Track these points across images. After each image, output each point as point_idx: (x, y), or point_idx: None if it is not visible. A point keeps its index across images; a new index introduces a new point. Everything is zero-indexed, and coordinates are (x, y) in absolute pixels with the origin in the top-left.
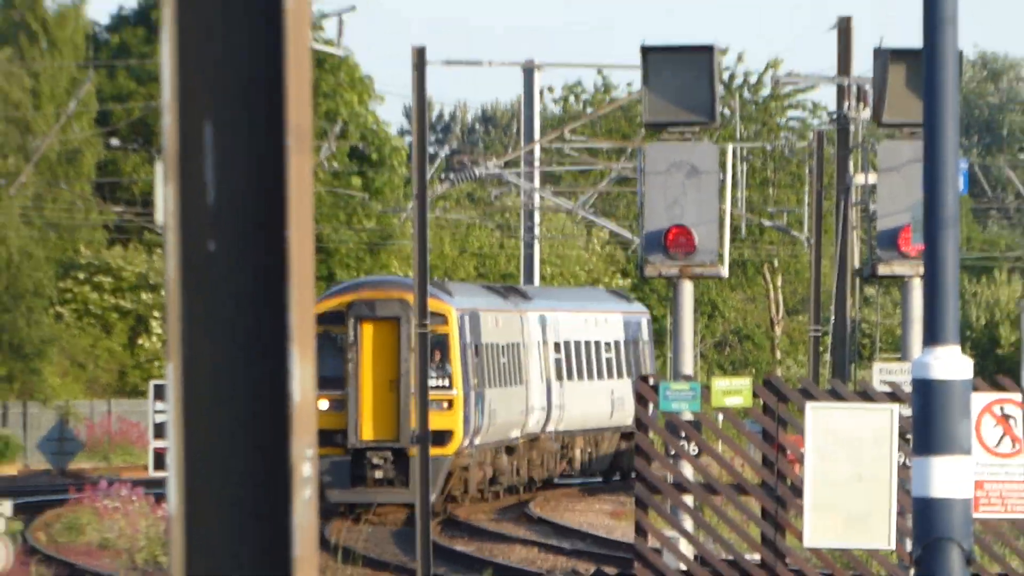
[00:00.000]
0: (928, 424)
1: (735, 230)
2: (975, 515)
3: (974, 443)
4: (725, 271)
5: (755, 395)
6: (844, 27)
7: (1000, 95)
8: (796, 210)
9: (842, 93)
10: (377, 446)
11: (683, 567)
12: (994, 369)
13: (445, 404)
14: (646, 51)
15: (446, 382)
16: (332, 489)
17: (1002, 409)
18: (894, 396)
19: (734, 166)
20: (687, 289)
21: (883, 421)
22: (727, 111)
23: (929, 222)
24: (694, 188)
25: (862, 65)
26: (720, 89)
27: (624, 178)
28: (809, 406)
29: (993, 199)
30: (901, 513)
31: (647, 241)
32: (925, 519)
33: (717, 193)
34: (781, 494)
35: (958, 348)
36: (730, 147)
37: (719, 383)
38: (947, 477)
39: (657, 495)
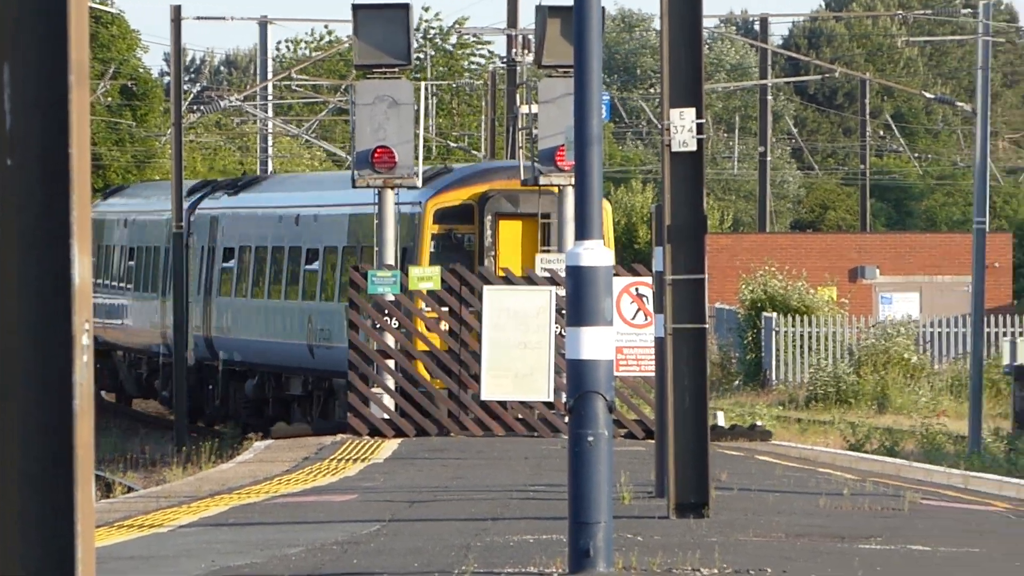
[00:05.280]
0: (579, 302)
1: (428, 150)
2: (616, 373)
3: (615, 316)
4: (419, 183)
5: (443, 281)
6: None
7: (635, 43)
8: (475, 134)
9: (511, 42)
10: None
11: (386, 416)
12: (632, 259)
13: None
14: (356, 8)
15: None
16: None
17: (637, 290)
18: (552, 280)
19: (426, 99)
20: (389, 197)
21: (543, 300)
22: (421, 56)
23: (578, 142)
24: (395, 117)
25: (528, 19)
26: (417, 39)
27: (341, 109)
28: (485, 289)
29: (629, 124)
30: (558, 372)
31: (358, 159)
32: (576, 376)
33: (412, 121)
34: (463, 358)
35: (602, 242)
36: (423, 84)
37: (415, 271)
38: (594, 343)
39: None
